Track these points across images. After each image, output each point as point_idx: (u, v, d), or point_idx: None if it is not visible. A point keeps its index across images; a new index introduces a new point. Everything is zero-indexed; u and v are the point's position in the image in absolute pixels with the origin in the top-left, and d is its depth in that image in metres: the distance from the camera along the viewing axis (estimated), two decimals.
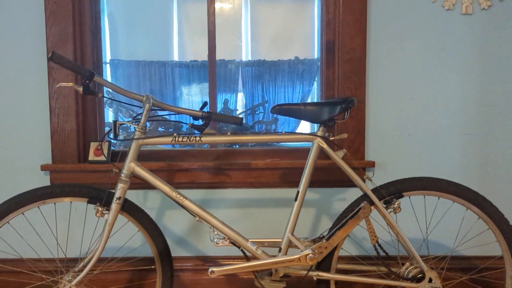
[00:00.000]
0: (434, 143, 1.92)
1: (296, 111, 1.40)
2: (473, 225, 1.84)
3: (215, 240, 1.47)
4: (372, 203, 1.40)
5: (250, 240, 1.47)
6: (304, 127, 4.60)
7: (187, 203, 1.45)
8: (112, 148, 1.96)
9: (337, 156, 1.41)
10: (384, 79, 1.90)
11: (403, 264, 1.45)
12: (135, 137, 1.42)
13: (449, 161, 1.92)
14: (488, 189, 1.92)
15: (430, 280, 1.38)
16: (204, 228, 1.95)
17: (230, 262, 1.91)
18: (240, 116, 4.71)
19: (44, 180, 1.91)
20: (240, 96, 4.79)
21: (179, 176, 1.90)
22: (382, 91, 1.91)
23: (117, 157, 1.93)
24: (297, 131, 4.48)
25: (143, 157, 1.98)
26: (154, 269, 1.53)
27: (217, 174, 1.91)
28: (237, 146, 2.47)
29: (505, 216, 1.41)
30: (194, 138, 1.41)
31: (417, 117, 1.91)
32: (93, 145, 1.91)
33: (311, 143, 1.42)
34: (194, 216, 1.46)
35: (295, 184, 1.90)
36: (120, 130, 1.41)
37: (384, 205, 1.42)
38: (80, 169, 1.87)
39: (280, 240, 1.45)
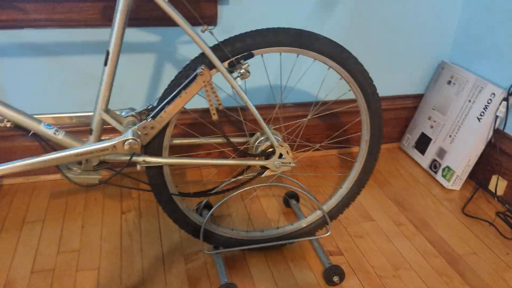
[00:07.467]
0: None
1: None
2: (334, 87, 1.63)
3: None
4: (212, 66, 1.02)
5: (44, 115, 1.04)
6: None
7: None
8: None
9: None
10: None
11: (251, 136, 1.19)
12: None
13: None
14: (357, 47, 1.66)
15: (281, 156, 1.15)
16: None
17: None
18: None
19: None
20: None
21: None
22: None
23: None
24: None
25: None
26: None
27: (7, 7, 1.29)
28: None
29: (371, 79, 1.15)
30: None
31: None
32: None
33: None
34: None
35: None
36: None
37: (229, 68, 1.04)
38: None
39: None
